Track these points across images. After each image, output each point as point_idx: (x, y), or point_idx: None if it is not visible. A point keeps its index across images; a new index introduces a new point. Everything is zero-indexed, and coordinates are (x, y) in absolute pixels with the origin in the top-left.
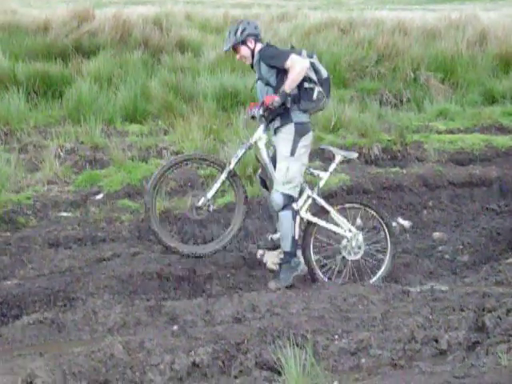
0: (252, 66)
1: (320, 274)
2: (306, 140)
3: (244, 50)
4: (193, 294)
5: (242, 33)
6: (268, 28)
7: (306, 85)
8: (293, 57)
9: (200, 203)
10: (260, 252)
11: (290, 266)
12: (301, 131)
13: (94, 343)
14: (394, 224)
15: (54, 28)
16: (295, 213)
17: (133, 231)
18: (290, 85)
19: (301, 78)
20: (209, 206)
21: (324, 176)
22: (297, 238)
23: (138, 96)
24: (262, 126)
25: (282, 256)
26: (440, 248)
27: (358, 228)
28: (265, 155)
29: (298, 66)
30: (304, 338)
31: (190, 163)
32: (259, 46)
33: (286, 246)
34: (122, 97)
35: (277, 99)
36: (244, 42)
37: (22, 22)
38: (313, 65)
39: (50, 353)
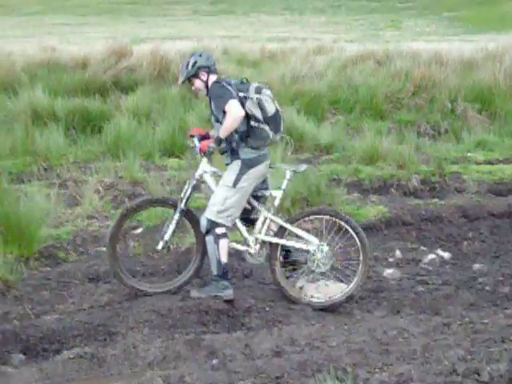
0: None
1: (292, 293)
2: (254, 173)
3: (197, 83)
4: (232, 327)
5: (193, 66)
6: (304, 61)
7: (253, 123)
8: (230, 103)
9: (160, 247)
10: (299, 285)
11: (216, 286)
12: (248, 165)
13: (134, 378)
14: (433, 256)
15: (93, 64)
16: (218, 237)
17: (172, 265)
18: (223, 132)
19: (235, 126)
20: (168, 247)
21: (278, 194)
22: (224, 261)
23: (176, 130)
24: (204, 159)
25: (213, 277)
26: (480, 280)
27: (327, 240)
28: (213, 187)
29: (231, 115)
30: (344, 371)
31: (143, 208)
32: (213, 78)
33: (213, 269)
34: (161, 131)
35: (212, 145)
36: (196, 75)
37: (61, 58)
38: (259, 102)
39: None
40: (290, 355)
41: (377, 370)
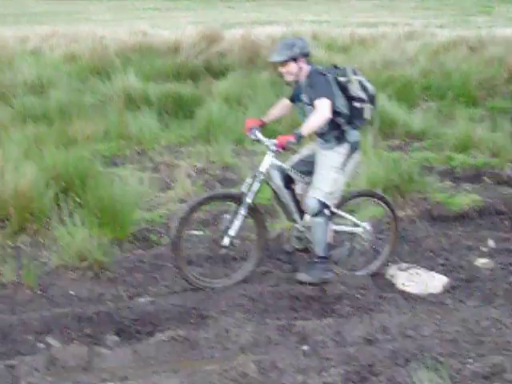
0: (287, 84)
1: None
2: (356, 157)
3: (292, 67)
4: (323, 314)
5: (296, 49)
6: (395, 47)
7: (357, 104)
8: (324, 101)
9: (225, 242)
10: (390, 273)
11: (322, 269)
12: (354, 147)
13: (226, 361)
14: None
15: (184, 49)
16: (328, 219)
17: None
18: (306, 129)
19: (319, 125)
20: (233, 242)
21: None
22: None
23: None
24: (270, 153)
25: (315, 259)
26: None
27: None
28: (278, 181)
29: (319, 114)
30: (437, 361)
31: (206, 204)
32: (306, 68)
33: (320, 251)
34: (252, 117)
35: (292, 141)
36: (295, 59)
37: (153, 43)
38: (360, 82)
39: (184, 370)
40: (382, 343)
41: (470, 360)
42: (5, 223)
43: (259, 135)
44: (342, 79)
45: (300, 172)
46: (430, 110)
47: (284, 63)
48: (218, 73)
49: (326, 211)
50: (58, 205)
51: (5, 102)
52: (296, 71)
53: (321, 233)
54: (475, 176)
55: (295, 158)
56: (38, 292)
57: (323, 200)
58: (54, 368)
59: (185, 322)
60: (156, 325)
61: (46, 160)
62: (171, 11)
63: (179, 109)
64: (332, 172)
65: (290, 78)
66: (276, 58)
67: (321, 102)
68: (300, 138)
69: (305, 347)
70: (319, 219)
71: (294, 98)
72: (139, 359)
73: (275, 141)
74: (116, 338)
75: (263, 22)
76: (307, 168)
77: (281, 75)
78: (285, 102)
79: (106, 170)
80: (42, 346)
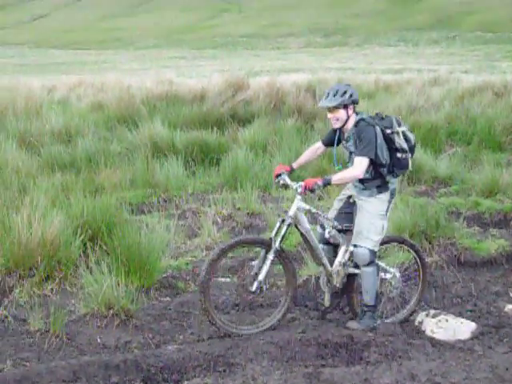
0: (335, 130)
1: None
2: (393, 203)
3: (342, 114)
4: (351, 361)
5: (350, 96)
6: (420, 92)
7: (399, 155)
8: (363, 160)
9: (254, 288)
10: (418, 320)
11: (372, 317)
12: (393, 194)
13: None
14: None
15: (210, 97)
16: (378, 268)
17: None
18: (338, 180)
19: (350, 180)
20: (261, 287)
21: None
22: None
23: (292, 162)
24: (298, 197)
25: (365, 308)
26: None
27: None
28: (306, 224)
29: (355, 171)
30: None
31: (234, 249)
32: (354, 116)
33: (370, 300)
34: (277, 163)
35: (319, 184)
36: (346, 106)
37: (179, 91)
38: (404, 134)
39: None
40: None
41: None
42: (32, 271)
43: (287, 180)
44: (388, 131)
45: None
46: (456, 155)
47: (334, 109)
48: (243, 120)
49: (375, 260)
50: (85, 253)
51: (32, 151)
52: (345, 118)
53: (372, 282)
54: (503, 221)
55: (332, 213)
56: (66, 340)
57: (373, 249)
58: None
59: (212, 370)
60: (183, 373)
61: (73, 208)
62: (197, 60)
63: (205, 156)
64: (379, 219)
65: (337, 125)
66: (327, 103)
67: (360, 160)
68: (327, 184)
69: None
70: (370, 269)
71: (334, 142)
72: None
73: (302, 183)
74: None
75: (288, 70)
76: (347, 221)
77: (330, 121)
78: (317, 146)
79: (132, 218)
80: None
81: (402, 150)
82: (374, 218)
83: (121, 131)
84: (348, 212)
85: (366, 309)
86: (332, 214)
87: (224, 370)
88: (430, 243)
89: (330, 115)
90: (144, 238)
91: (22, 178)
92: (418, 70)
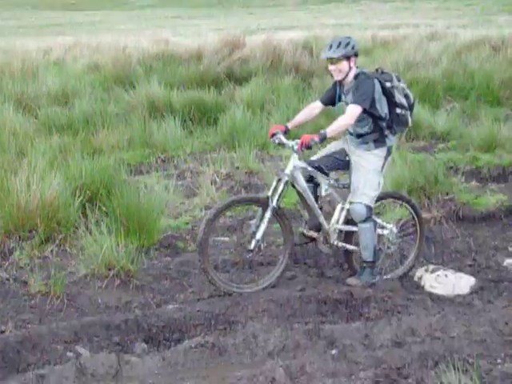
0: (336, 82)
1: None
2: (389, 159)
3: (345, 65)
4: (350, 317)
5: (352, 48)
6: (418, 48)
7: (398, 111)
8: (355, 108)
9: (252, 246)
10: (418, 275)
11: (371, 273)
12: (390, 151)
13: (255, 367)
14: None
15: (207, 56)
16: (375, 223)
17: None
18: (332, 131)
19: (342, 129)
20: (259, 246)
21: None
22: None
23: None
24: (295, 155)
25: (364, 265)
26: None
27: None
28: (303, 182)
29: (347, 118)
30: (466, 362)
31: (231, 208)
32: (354, 69)
33: (368, 256)
34: (275, 121)
35: (316, 140)
36: (348, 58)
37: (175, 51)
38: (403, 90)
39: (213, 377)
40: (411, 346)
41: (499, 361)
42: (32, 234)
43: (283, 139)
44: (388, 85)
45: (324, 166)
46: (453, 110)
47: (337, 61)
48: (240, 79)
49: (372, 215)
50: (85, 214)
51: (29, 113)
52: (347, 70)
53: (370, 238)
54: (501, 176)
55: (322, 152)
56: (66, 301)
57: (370, 204)
58: (83, 377)
59: (213, 329)
60: (184, 332)
61: (72, 170)
62: (192, 19)
63: (203, 116)
64: (375, 175)
65: (339, 77)
66: (331, 54)
67: (352, 107)
68: (324, 139)
69: (333, 351)
70: (368, 224)
71: (335, 100)
72: (168, 366)
73: (299, 140)
74: (144, 346)
75: (285, 27)
76: (331, 163)
77: (330, 73)
78: (315, 105)
79: (131, 179)
80: (71, 355)
81: (402, 106)
82: (369, 173)
83: (117, 92)
84: (337, 158)
85: (364, 265)
86: (321, 153)
87: (224, 328)
88: (428, 199)
89: (331, 67)
90: (143, 199)
91: (20, 141)
92: (415, 26)
